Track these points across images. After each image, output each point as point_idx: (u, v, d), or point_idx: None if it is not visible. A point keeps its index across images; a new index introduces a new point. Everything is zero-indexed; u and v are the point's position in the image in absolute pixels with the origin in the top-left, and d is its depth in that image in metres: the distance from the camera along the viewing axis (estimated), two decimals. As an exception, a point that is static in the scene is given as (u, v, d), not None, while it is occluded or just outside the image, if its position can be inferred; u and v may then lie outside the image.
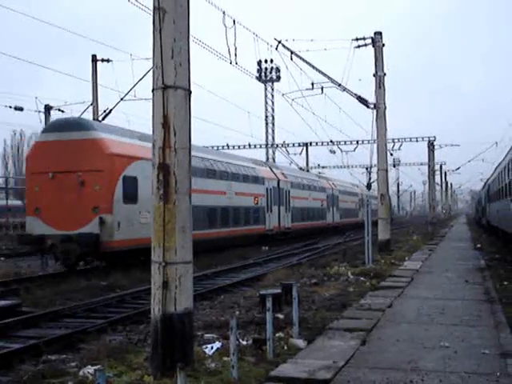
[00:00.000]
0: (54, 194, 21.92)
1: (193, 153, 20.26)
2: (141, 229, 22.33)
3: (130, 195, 22.67)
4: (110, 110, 31.58)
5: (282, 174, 43.62)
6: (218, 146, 66.08)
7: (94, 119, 30.96)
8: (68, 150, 21.86)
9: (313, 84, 28.17)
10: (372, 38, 26.20)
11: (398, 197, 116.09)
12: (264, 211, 38.05)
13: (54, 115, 43.30)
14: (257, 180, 37.58)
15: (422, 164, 76.74)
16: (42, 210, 22.05)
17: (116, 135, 23.55)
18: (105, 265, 23.10)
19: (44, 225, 22.02)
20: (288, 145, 63.12)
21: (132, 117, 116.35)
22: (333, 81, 27.15)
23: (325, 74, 27.11)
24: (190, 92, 7.41)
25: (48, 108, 43.29)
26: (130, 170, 22.84)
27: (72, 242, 21.11)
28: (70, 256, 21.44)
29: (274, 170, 42.67)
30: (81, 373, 7.51)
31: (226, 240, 31.80)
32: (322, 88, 28.40)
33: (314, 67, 26.79)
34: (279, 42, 26.03)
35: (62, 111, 42.16)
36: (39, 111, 42.45)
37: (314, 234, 47.72)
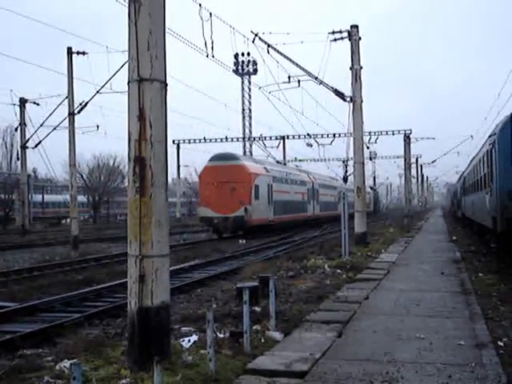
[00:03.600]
0: (217, 194, 38.76)
1: (272, 166, 48.72)
2: (261, 213, 41.13)
3: (257, 195, 40.54)
4: (86, 103, 31.54)
5: (314, 178, 60.83)
6: (195, 140, 65.74)
7: (69, 113, 31.29)
8: (226, 170, 39.14)
9: (289, 77, 28.09)
10: (348, 31, 26.22)
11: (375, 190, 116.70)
12: (306, 204, 55.74)
13: (29, 108, 43.05)
14: (303, 183, 55.25)
15: (398, 157, 77.25)
16: (210, 203, 39.18)
17: (249, 161, 43.81)
18: (243, 233, 39.48)
19: (212, 211, 39.00)
20: (265, 138, 63.25)
21: (108, 110, 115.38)
22: (309, 74, 27.19)
23: (301, 67, 27.15)
24: (166, 84, 7.36)
25: (23, 101, 42.93)
26: (256, 181, 40.90)
27: (228, 221, 38.33)
28: (226, 229, 38.87)
29: (309, 175, 59.98)
30: (57, 367, 7.46)
31: (290, 222, 48.37)
32: (299, 81, 28.33)
33: (290, 60, 26.82)
34: (256, 35, 26.00)
35: (38, 104, 41.89)
36: (14, 104, 42.12)
37: (331, 220, 60.09)
